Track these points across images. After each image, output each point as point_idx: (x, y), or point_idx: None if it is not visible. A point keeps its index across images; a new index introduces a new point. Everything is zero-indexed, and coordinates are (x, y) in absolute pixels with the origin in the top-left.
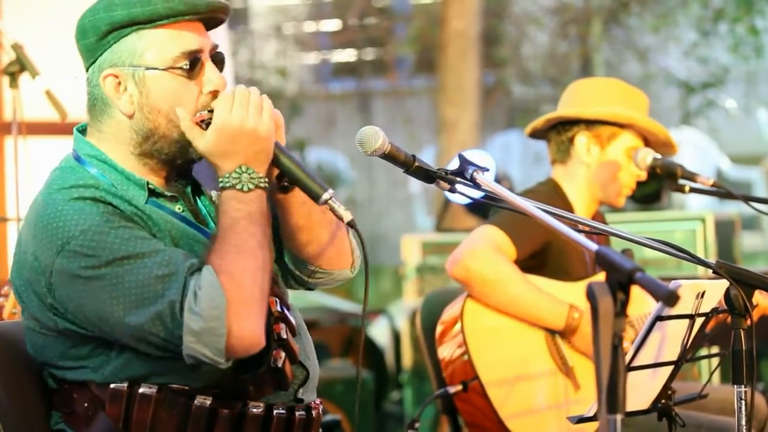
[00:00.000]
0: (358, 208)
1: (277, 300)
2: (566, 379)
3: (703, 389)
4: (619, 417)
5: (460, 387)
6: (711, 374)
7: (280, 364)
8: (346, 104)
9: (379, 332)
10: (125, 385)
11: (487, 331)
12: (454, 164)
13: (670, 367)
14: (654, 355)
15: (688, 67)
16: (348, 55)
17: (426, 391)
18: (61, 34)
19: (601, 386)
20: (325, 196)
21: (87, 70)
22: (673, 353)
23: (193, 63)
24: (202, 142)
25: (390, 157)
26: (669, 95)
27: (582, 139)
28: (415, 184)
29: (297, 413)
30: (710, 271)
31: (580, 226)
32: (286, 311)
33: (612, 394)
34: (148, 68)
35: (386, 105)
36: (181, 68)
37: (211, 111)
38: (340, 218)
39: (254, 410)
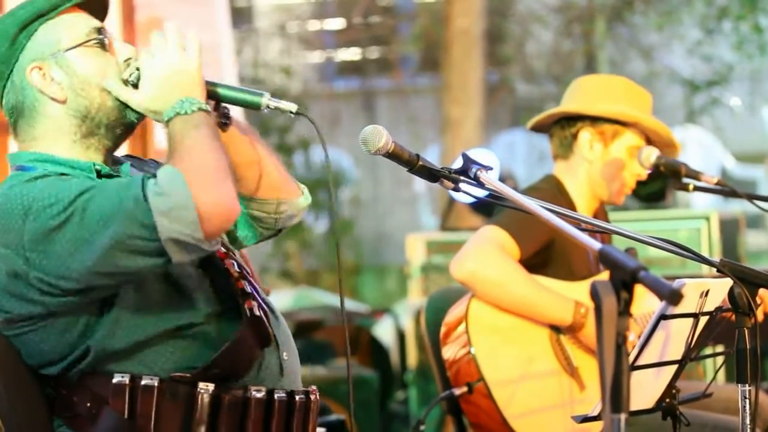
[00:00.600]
0: (362, 207)
1: (234, 263)
2: (571, 379)
3: (708, 388)
4: (623, 416)
5: (465, 388)
6: (715, 373)
7: (257, 312)
8: (350, 103)
9: (384, 331)
10: (126, 379)
11: (492, 332)
12: (458, 163)
13: (675, 366)
14: (658, 354)
15: (693, 65)
16: (352, 53)
17: (431, 390)
18: None
19: (604, 385)
20: (264, 100)
21: (5, 86)
22: (677, 352)
23: (102, 36)
24: (137, 97)
25: (393, 156)
26: (673, 93)
27: (585, 135)
28: (420, 184)
29: (297, 397)
30: (714, 269)
31: (584, 225)
32: (244, 269)
33: (616, 393)
34: (66, 50)
35: (390, 104)
36: (95, 40)
37: (137, 69)
38: (288, 111)
39: (257, 394)
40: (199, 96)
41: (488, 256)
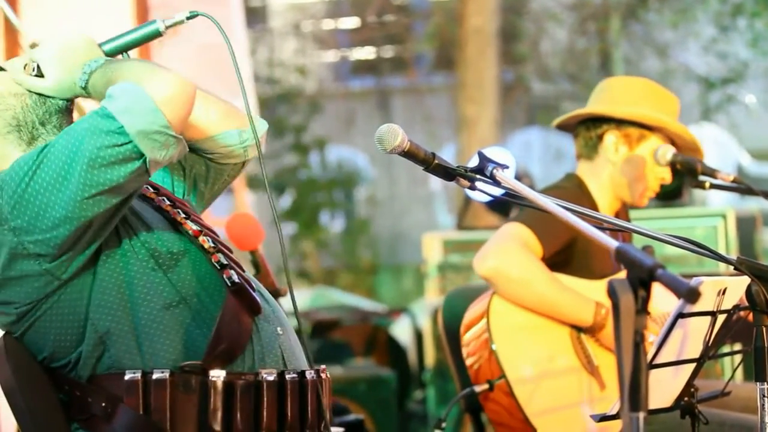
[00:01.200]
0: (378, 206)
1: (208, 238)
2: (591, 378)
3: (726, 386)
4: (641, 415)
5: (486, 386)
6: (734, 372)
7: (236, 279)
8: (365, 102)
9: (401, 331)
10: (138, 374)
11: (513, 329)
12: (474, 162)
13: (693, 365)
14: (676, 352)
15: (708, 63)
16: (367, 52)
17: (449, 389)
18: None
19: (623, 384)
20: (160, 25)
21: None
22: (695, 350)
23: None
24: (46, 84)
25: (409, 154)
26: (688, 91)
27: (611, 137)
28: (436, 182)
29: (308, 375)
30: (731, 267)
31: (605, 225)
32: (219, 245)
33: (634, 392)
34: None
35: (405, 102)
36: None
37: (32, 60)
38: (183, 19)
39: (268, 377)
40: (98, 56)
41: (511, 253)
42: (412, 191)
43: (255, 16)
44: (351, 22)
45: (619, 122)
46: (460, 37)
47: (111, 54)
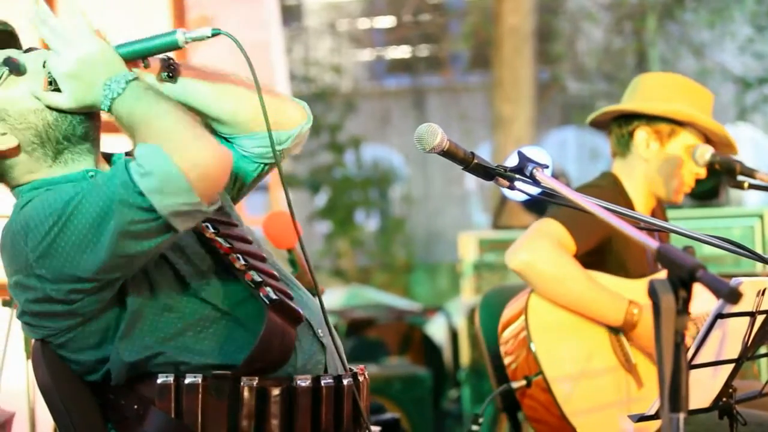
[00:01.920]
0: (413, 205)
1: (239, 256)
2: (629, 376)
3: (765, 387)
4: (681, 416)
5: (523, 382)
6: None
7: (274, 296)
8: (400, 101)
9: (436, 330)
10: (171, 378)
11: (552, 326)
12: (511, 161)
13: (731, 366)
14: (715, 353)
15: (744, 63)
16: (402, 51)
17: (484, 388)
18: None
19: (663, 384)
20: (180, 38)
21: None
22: (733, 351)
23: (12, 64)
24: (64, 100)
25: (448, 154)
26: (725, 91)
27: (642, 134)
28: (471, 181)
29: (345, 381)
30: None
31: (642, 224)
32: (252, 261)
33: (674, 392)
34: None
35: (441, 101)
36: (7, 74)
37: (49, 73)
38: (204, 36)
39: (302, 384)
40: (119, 70)
41: (543, 248)
42: (447, 190)
43: (291, 15)
44: (387, 21)
45: (650, 118)
46: (496, 37)
47: (127, 58)
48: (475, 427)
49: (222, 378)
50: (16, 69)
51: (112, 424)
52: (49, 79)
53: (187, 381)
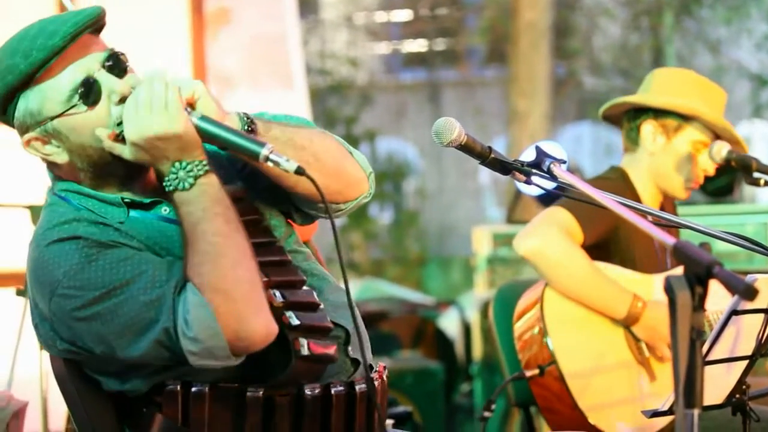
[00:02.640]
0: (427, 198)
1: (275, 292)
2: (642, 371)
3: None
4: (696, 411)
5: (536, 371)
6: None
7: (305, 352)
8: (416, 94)
9: (449, 323)
10: (177, 386)
11: (566, 317)
12: (527, 155)
13: (745, 362)
14: (729, 349)
15: (760, 60)
16: (419, 45)
17: (496, 382)
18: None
19: (678, 380)
20: (264, 152)
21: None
22: (747, 348)
23: (87, 90)
24: (127, 155)
25: (466, 148)
26: (740, 88)
27: (648, 127)
28: (485, 176)
29: (357, 387)
30: None
31: (651, 218)
32: (292, 293)
33: (689, 388)
34: (51, 118)
35: (457, 95)
36: (77, 105)
37: (119, 123)
38: (286, 170)
39: (310, 393)
40: (192, 153)
41: (552, 235)
42: (461, 184)
43: (307, 8)
44: (403, 15)
45: (658, 112)
46: (513, 31)
47: (198, 129)
48: (487, 414)
49: (229, 389)
50: (87, 99)
51: (126, 425)
52: (118, 132)
53: (194, 389)
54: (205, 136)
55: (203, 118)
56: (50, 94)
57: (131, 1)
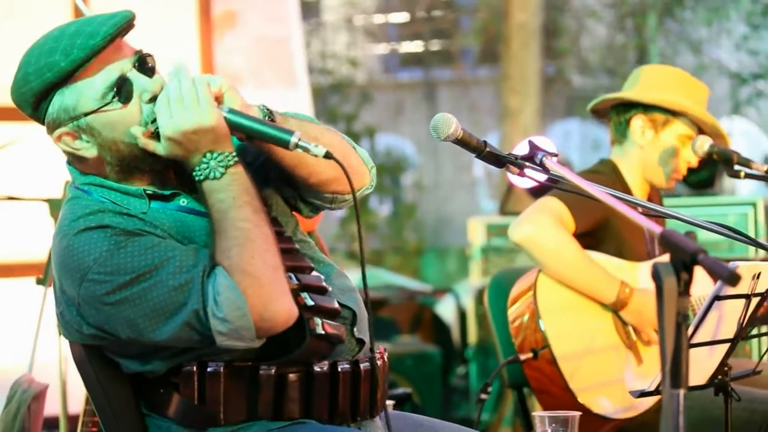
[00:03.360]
0: (424, 191)
1: (291, 275)
2: (629, 354)
3: (757, 366)
4: (681, 391)
5: (530, 354)
6: (766, 352)
7: (320, 331)
8: (413, 93)
9: (445, 310)
10: (194, 366)
11: (559, 302)
12: (519, 150)
13: (727, 345)
14: (712, 333)
15: (739, 59)
16: (415, 46)
17: (491, 365)
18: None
19: (665, 362)
20: (294, 139)
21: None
22: (729, 331)
23: (121, 88)
24: (161, 151)
25: (462, 142)
26: (720, 86)
27: (638, 122)
28: (479, 170)
29: (362, 365)
30: (763, 252)
31: (641, 209)
32: (303, 277)
33: (675, 370)
34: (86, 114)
35: (451, 94)
36: (112, 102)
37: (154, 120)
38: (315, 155)
39: (319, 369)
40: (222, 144)
41: (545, 223)
42: (456, 177)
43: (309, 11)
44: (400, 17)
45: (646, 107)
46: (504, 32)
47: (228, 121)
48: (483, 396)
49: (242, 368)
50: (121, 97)
51: (145, 403)
52: (153, 130)
53: (209, 369)
54: (235, 128)
55: (232, 110)
56: (86, 92)
57: (143, 5)
